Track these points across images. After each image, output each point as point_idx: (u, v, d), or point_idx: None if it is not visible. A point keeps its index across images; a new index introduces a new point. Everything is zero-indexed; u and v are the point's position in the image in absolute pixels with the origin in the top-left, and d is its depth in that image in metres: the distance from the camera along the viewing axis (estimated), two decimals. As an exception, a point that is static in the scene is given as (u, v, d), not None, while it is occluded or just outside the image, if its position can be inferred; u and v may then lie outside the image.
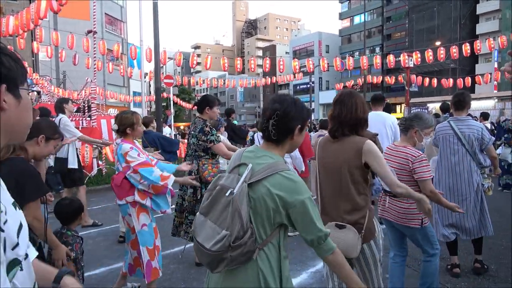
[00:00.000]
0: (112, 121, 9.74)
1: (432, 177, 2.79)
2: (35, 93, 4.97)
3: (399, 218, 2.88)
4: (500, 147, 8.56)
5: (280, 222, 1.49)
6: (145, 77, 13.84)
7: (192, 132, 3.90)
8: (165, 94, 22.10)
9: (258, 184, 1.46)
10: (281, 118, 1.52)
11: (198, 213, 1.55)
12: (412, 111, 28.98)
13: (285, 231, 1.58)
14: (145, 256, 3.00)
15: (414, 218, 2.82)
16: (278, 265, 1.52)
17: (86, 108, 11.95)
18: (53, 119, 5.74)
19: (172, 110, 16.38)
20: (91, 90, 10.08)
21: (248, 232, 1.40)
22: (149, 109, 32.32)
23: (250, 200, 1.45)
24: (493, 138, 3.74)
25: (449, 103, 3.95)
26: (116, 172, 3.14)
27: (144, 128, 6.32)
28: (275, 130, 1.53)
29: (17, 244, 0.85)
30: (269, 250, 1.49)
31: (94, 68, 9.88)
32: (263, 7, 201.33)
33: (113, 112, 21.43)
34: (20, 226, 0.89)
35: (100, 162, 9.55)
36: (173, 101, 18.22)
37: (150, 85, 42.22)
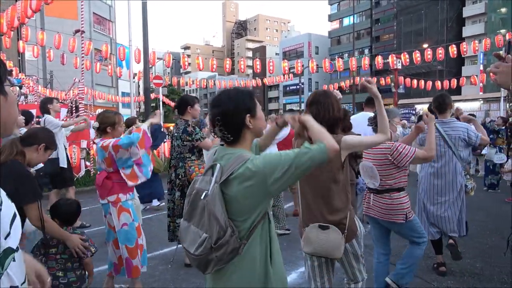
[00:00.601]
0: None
1: (415, 150, 2.80)
2: (17, 88, 4.85)
3: (384, 215, 2.91)
4: (486, 148, 8.71)
5: (264, 207, 1.48)
6: (134, 78, 13.74)
7: (176, 134, 3.89)
8: (154, 95, 21.96)
9: (230, 180, 1.43)
10: (224, 121, 1.50)
11: (182, 219, 1.56)
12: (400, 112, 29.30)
13: (270, 220, 1.56)
14: (124, 254, 3.07)
15: (398, 214, 2.86)
16: (267, 254, 1.52)
17: (74, 108, 11.81)
18: (39, 119, 5.66)
19: (162, 111, 16.28)
20: (79, 91, 9.98)
21: (228, 231, 1.39)
22: (138, 109, 32.04)
23: (226, 198, 1.42)
24: (480, 134, 3.74)
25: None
26: (98, 172, 3.18)
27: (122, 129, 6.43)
28: (226, 133, 1.51)
29: (9, 234, 0.87)
30: (255, 241, 1.48)
31: (82, 68, 9.77)
32: (253, 8, 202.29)
33: (102, 112, 21.21)
34: (14, 216, 0.91)
35: (87, 163, 9.45)
36: (163, 102, 18.12)
37: (139, 86, 41.89)
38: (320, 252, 2.19)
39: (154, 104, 24.24)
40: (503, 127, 8.58)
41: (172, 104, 33.16)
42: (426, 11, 37.89)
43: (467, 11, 37.03)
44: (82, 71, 9.73)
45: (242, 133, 1.53)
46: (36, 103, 13.18)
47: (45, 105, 5.54)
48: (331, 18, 51.53)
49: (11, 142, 2.19)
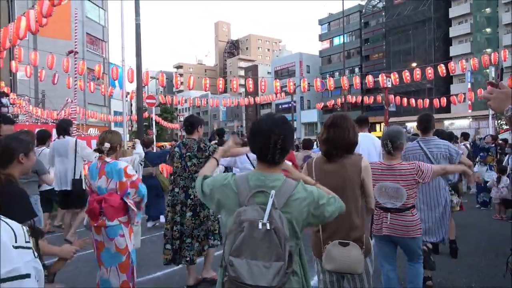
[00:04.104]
0: (93, 142, 9.64)
1: (431, 165, 3.08)
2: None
3: (405, 232, 2.98)
4: (476, 165, 8.81)
5: (302, 229, 1.61)
6: (126, 97, 13.76)
7: (189, 154, 3.85)
8: (147, 114, 21.95)
9: (288, 203, 1.53)
10: (284, 142, 1.59)
11: (230, 257, 1.47)
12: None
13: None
14: (133, 273, 3.09)
15: (417, 229, 3.00)
16: (301, 271, 1.64)
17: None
18: (57, 139, 5.65)
19: (154, 130, 16.25)
20: (71, 111, 9.93)
21: (292, 255, 1.47)
22: (130, 128, 31.92)
23: None
24: (461, 152, 4.00)
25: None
26: (105, 192, 3.06)
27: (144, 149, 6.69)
28: (279, 153, 1.59)
29: None
30: (297, 260, 1.60)
31: (75, 88, 9.76)
32: (245, 28, 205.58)
33: (94, 132, 21.05)
34: None
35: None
36: (155, 121, 18.11)
37: (131, 104, 41.86)
38: (343, 268, 2.23)
39: (146, 123, 24.19)
40: (493, 145, 8.72)
41: (165, 123, 33.24)
42: (413, 31, 38.86)
43: (453, 32, 38.07)
44: (75, 91, 9.71)
45: (284, 159, 1.65)
46: (27, 123, 13.09)
47: (67, 127, 5.61)
48: (321, 38, 52.50)
49: None
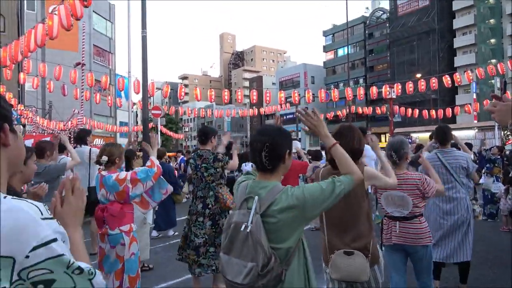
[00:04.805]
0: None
1: (435, 184, 3.02)
2: (21, 126, 5.06)
3: (414, 240, 2.98)
4: (483, 177, 8.73)
5: (300, 233, 1.62)
6: (132, 107, 13.88)
7: (205, 165, 3.84)
8: (152, 124, 22.07)
9: (270, 210, 1.57)
10: (271, 149, 1.63)
11: (221, 253, 1.64)
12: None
13: (303, 242, 1.69)
14: (125, 283, 3.09)
15: (426, 236, 2.99)
16: (305, 278, 1.64)
17: (72, 139, 11.82)
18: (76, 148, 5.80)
19: (160, 140, 16.34)
20: (78, 121, 10.05)
21: (272, 258, 1.50)
22: (135, 138, 32.15)
23: (266, 227, 1.54)
24: (476, 166, 3.98)
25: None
26: (107, 202, 3.15)
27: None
28: (268, 160, 1.64)
29: None
30: (294, 267, 1.60)
31: (82, 99, 9.89)
32: (250, 39, 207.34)
33: (99, 142, 21.21)
34: None
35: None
36: (161, 131, 18.21)
37: (137, 115, 42.15)
38: (348, 277, 2.26)
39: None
40: (499, 156, 8.65)
41: (171, 133, 33.35)
42: (418, 42, 39.01)
43: (458, 42, 38.15)
44: (82, 102, 9.84)
45: (278, 165, 1.67)
46: (34, 133, 13.22)
47: (84, 136, 5.81)
48: (325, 49, 52.78)
49: None
